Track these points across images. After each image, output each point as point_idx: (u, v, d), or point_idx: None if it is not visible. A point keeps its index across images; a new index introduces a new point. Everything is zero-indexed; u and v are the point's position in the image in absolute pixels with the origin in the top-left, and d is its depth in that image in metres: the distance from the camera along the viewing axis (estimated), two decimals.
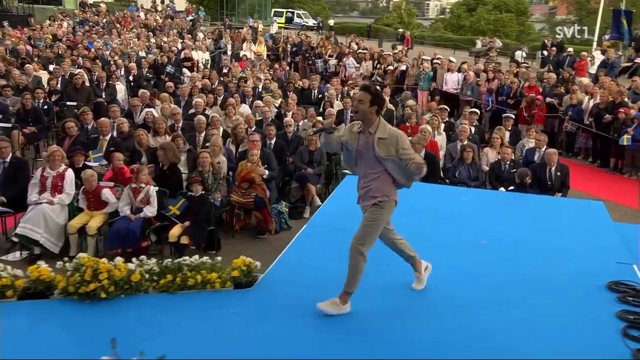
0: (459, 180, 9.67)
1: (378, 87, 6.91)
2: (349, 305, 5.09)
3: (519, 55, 28.08)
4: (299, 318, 5.18)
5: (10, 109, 12.34)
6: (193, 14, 41.75)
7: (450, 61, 19.21)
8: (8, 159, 8.72)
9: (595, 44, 31.26)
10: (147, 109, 11.89)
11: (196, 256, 5.84)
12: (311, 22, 53.60)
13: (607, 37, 29.77)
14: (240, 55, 24.55)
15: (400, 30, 36.90)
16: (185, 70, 20.66)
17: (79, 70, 15.78)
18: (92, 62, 17.70)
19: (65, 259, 5.64)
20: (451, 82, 17.62)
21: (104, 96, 14.89)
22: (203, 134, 10.79)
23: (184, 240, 8.01)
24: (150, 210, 8.22)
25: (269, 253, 7.65)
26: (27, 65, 15.96)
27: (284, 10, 51.35)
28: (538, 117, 14.45)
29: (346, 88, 16.30)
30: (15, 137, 11.56)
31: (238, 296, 5.58)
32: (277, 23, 40.97)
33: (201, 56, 22.98)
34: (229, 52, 24.94)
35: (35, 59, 18.38)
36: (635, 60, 23.85)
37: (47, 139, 12.99)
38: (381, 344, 4.88)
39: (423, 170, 4.98)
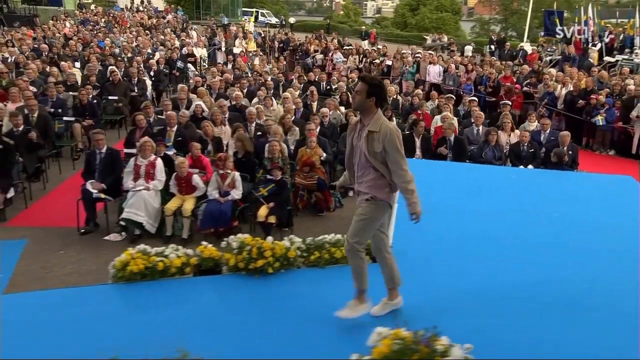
0: (485, 161, 9.73)
1: (373, 76, 5.52)
2: (370, 303, 4.48)
3: (469, 49, 28.40)
4: (442, 283, 5.20)
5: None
6: (172, 14, 40.81)
7: (432, 55, 19.41)
8: (104, 150, 8.49)
9: (525, 38, 32.09)
10: (196, 102, 11.62)
11: (291, 236, 5.76)
12: (274, 20, 53.14)
13: (542, 33, 30.54)
14: (234, 51, 24.24)
15: (364, 27, 36.73)
16: (189, 65, 20.36)
17: (111, 67, 15.24)
18: (115, 59, 17.13)
19: (231, 237, 5.55)
20: (433, 73, 17.80)
21: (136, 90, 14.55)
22: (254, 124, 10.62)
23: (271, 219, 7.96)
24: (237, 194, 8.15)
25: (333, 228, 7.64)
26: (63, 63, 15.33)
27: (253, 10, 50.54)
28: (516, 104, 14.74)
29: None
30: (77, 129, 11.19)
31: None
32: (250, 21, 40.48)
33: (200, 52, 22.56)
34: (223, 49, 24.53)
35: (54, 57, 17.69)
36: (568, 54, 24.48)
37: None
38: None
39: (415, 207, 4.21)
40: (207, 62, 22.94)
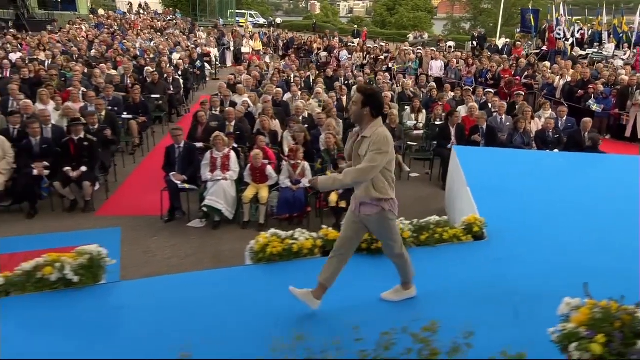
0: (514, 146, 9.87)
1: (375, 88, 5.25)
2: (414, 289, 4.44)
3: (452, 45, 28.57)
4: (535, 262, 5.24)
5: None
6: (171, 15, 40.24)
7: (434, 51, 19.54)
8: (182, 145, 8.45)
9: (498, 34, 32.39)
10: (243, 99, 11.58)
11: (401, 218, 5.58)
12: (262, 20, 52.77)
13: (518, 30, 30.88)
14: (242, 50, 24.07)
15: (356, 26, 36.66)
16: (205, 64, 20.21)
17: (147, 67, 15.07)
18: (145, 60, 16.92)
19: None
20: (436, 67, 17.95)
21: (171, 89, 14.41)
22: (300, 117, 10.62)
23: (342, 204, 8.01)
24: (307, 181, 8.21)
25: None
26: (102, 64, 15.07)
27: (245, 11, 50.13)
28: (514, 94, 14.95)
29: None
30: (133, 126, 11.09)
31: (478, 246, 5.59)
32: (241, 22, 40.26)
33: (213, 52, 22.37)
34: (232, 48, 24.33)
35: (88, 59, 17.40)
36: (542, 48, 24.88)
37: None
38: None
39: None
40: (218, 60, 22.78)
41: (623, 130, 13.35)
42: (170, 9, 42.10)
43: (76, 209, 8.56)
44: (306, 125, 10.42)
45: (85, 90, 11.74)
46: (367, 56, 20.52)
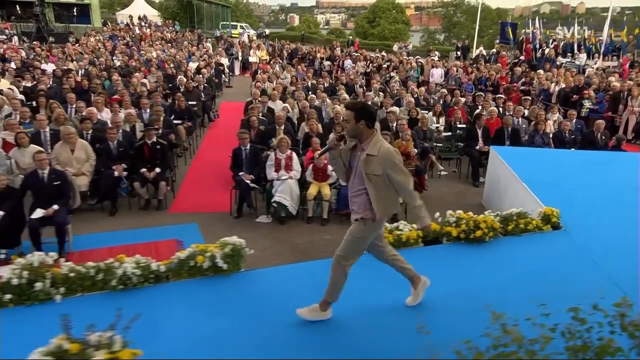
0: (535, 146, 10.11)
1: (362, 100, 4.84)
2: (330, 312, 4.09)
3: (436, 55, 28.97)
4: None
5: None
6: (170, 27, 39.84)
7: (434, 60, 19.82)
8: (248, 147, 8.50)
9: (475, 45, 32.90)
10: (278, 104, 11.66)
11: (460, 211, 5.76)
12: (252, 32, 52.52)
13: (497, 41, 31.45)
14: (250, 60, 24.03)
15: (350, 37, 36.86)
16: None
17: (179, 77, 14.98)
18: (171, 69, 16.82)
19: (449, 212, 5.77)
20: (437, 75, 18.22)
21: (203, 96, 14.38)
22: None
23: None
24: None
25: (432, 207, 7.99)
26: (136, 74, 14.95)
27: (236, 24, 49.78)
28: (515, 100, 15.27)
29: None
30: (182, 130, 11.05)
31: (559, 235, 5.77)
32: (233, 34, 40.09)
33: (224, 62, 22.30)
34: (240, 58, 24.27)
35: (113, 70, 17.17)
36: (520, 58, 25.46)
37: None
38: None
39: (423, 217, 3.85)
40: (228, 69, 22.70)
41: (616, 131, 13.76)
42: (170, 21, 41.61)
43: (150, 207, 8.56)
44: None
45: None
46: (370, 65, 20.69)
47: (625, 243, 5.44)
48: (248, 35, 37.56)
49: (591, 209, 6.45)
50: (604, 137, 10.18)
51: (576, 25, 27.40)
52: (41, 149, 7.42)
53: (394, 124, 10.37)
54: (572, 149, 10.04)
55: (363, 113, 3.72)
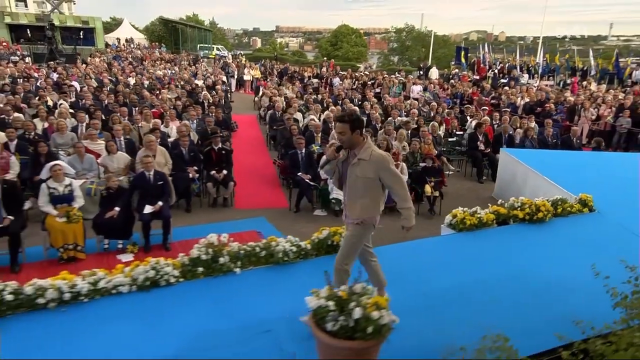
0: (526, 149, 10.91)
1: (351, 111, 5.14)
2: None
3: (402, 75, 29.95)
4: None
5: None
6: (157, 49, 39.32)
7: (414, 78, 20.62)
8: (304, 151, 8.85)
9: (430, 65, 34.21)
10: (310, 116, 12.05)
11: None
12: (226, 53, 52.38)
13: (453, 63, 32.85)
14: (244, 78, 24.18)
15: (325, 58, 37.40)
16: None
17: (204, 93, 15.08)
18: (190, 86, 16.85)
19: (512, 198, 6.31)
20: (416, 91, 18.95)
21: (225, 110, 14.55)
22: None
23: (435, 193, 8.73)
24: (405, 178, 8.84)
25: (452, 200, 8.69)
26: (163, 90, 14.96)
27: (213, 46, 49.51)
28: (488, 112, 16.21)
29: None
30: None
31: (597, 216, 6.43)
32: (210, 55, 40.02)
33: (224, 79, 22.37)
34: (235, 76, 24.39)
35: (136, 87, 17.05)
36: (475, 77, 26.78)
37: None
38: None
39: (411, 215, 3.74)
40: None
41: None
42: (156, 43, 41.05)
43: (217, 204, 8.78)
44: None
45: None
46: (356, 82, 21.29)
47: None
48: (212, 56, 37.68)
49: (605, 196, 7.13)
50: (578, 141, 11.15)
51: (518, 50, 29.11)
52: (148, 153, 7.53)
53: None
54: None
55: (357, 124, 3.63)
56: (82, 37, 26.65)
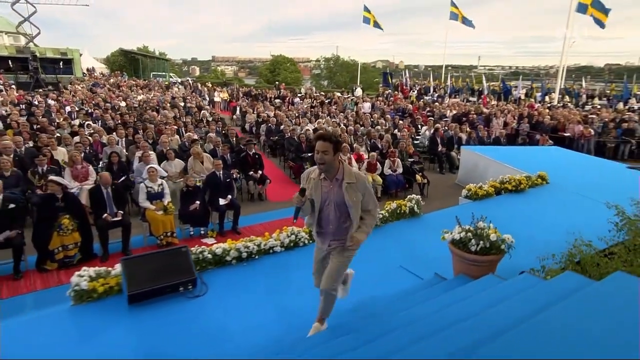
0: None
1: (333, 132, 3.26)
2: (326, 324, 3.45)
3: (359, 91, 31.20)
4: None
5: None
6: (120, 77, 37.72)
7: (364, 96, 21.85)
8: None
9: (358, 88, 36.03)
10: (306, 127, 12.73)
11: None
12: (178, 80, 51.17)
13: (381, 85, 34.80)
14: (215, 99, 24.22)
15: (277, 82, 37.81)
16: None
17: (202, 112, 15.22)
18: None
19: (501, 176, 7.49)
20: (366, 107, 20.20)
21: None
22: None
23: (424, 180, 9.86)
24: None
25: (430, 187, 9.94)
26: (164, 110, 14.92)
27: (166, 73, 48.15)
28: (425, 121, 17.88)
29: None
30: None
31: (553, 186, 7.81)
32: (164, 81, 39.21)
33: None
34: (207, 98, 24.34)
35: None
36: (400, 96, 28.78)
37: None
38: None
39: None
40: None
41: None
42: (118, 71, 39.35)
43: (254, 199, 9.28)
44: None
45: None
46: (314, 101, 22.18)
47: (581, 182, 7.74)
48: (188, 80, 37.09)
49: (549, 173, 8.62)
50: (504, 140, 12.91)
51: (431, 75, 31.61)
52: (218, 160, 7.91)
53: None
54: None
55: (339, 146, 3.03)
56: (61, 66, 25.06)
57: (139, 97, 20.47)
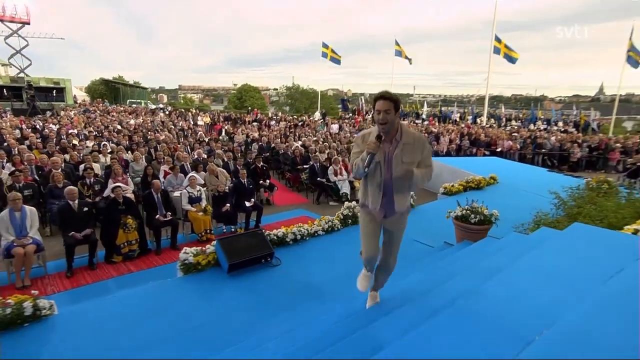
0: None
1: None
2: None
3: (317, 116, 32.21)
4: None
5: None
6: (102, 103, 36.70)
7: (332, 118, 22.86)
8: (318, 164, 10.38)
9: (318, 113, 37.30)
10: (295, 144, 13.47)
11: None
12: (152, 106, 50.29)
13: (340, 109, 36.25)
14: (198, 123, 24.35)
15: (249, 108, 38.14)
16: None
17: (199, 132, 15.54)
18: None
19: (464, 178, 8.62)
20: (335, 128, 21.30)
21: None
22: None
23: None
24: None
25: None
26: (165, 132, 15.13)
27: (142, 100, 47.19)
28: None
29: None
30: None
31: (502, 185, 9.15)
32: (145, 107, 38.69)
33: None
34: (191, 122, 24.39)
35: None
36: (358, 119, 30.27)
37: None
38: None
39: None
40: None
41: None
42: (99, 99, 38.24)
43: (263, 203, 9.83)
44: None
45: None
46: (288, 123, 22.97)
47: (519, 181, 9.08)
48: (160, 107, 36.72)
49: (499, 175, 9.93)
50: (453, 153, 14.39)
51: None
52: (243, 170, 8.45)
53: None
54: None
55: (399, 104, 2.64)
56: (54, 94, 24.24)
57: (132, 122, 20.33)
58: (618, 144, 15.82)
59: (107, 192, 7.33)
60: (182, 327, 3.34)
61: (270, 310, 3.69)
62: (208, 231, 7.15)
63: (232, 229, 7.69)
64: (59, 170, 7.63)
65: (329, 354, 2.24)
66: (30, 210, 5.49)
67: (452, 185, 8.05)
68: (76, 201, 5.92)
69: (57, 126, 16.22)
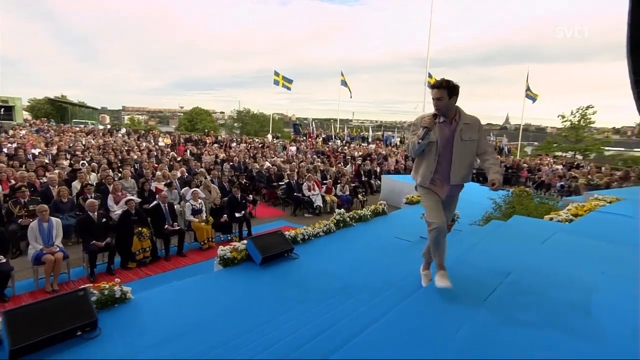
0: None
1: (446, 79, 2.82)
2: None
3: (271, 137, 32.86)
4: None
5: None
6: (46, 123, 34.27)
7: (289, 141, 23.70)
8: (294, 180, 11.21)
9: (270, 135, 38.14)
10: (266, 163, 14.14)
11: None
12: (101, 126, 47.66)
13: (293, 133, 37.27)
14: (159, 143, 23.99)
15: (206, 130, 37.63)
16: None
17: (172, 153, 15.60)
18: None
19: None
20: (293, 150, 22.01)
21: None
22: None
23: (365, 199, 12.02)
24: None
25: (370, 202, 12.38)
26: (135, 149, 15.02)
27: (87, 120, 44.49)
28: (339, 160, 20.56)
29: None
30: None
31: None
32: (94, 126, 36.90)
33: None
34: (152, 142, 23.94)
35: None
36: (309, 141, 31.59)
37: None
38: None
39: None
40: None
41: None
42: (44, 118, 35.62)
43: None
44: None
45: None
46: (249, 145, 23.44)
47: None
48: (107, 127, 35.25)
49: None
50: (401, 172, 16.01)
51: (332, 125, 35.24)
52: (236, 188, 8.98)
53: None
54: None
55: (455, 89, 2.82)
56: (2, 113, 22.45)
57: (92, 142, 19.64)
58: (525, 164, 18.68)
59: (120, 205, 7.55)
60: (239, 305, 4.01)
61: (298, 290, 4.47)
62: (210, 239, 7.66)
63: (229, 237, 8.23)
64: (56, 186, 7.71)
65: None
66: (56, 222, 5.73)
67: (413, 197, 9.33)
68: (95, 213, 6.21)
69: (15, 145, 15.35)
